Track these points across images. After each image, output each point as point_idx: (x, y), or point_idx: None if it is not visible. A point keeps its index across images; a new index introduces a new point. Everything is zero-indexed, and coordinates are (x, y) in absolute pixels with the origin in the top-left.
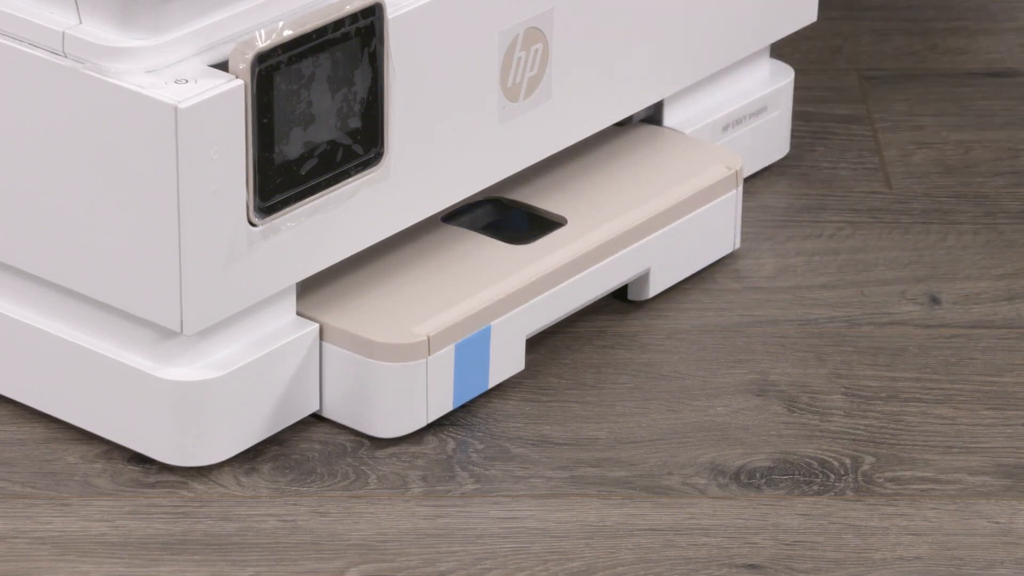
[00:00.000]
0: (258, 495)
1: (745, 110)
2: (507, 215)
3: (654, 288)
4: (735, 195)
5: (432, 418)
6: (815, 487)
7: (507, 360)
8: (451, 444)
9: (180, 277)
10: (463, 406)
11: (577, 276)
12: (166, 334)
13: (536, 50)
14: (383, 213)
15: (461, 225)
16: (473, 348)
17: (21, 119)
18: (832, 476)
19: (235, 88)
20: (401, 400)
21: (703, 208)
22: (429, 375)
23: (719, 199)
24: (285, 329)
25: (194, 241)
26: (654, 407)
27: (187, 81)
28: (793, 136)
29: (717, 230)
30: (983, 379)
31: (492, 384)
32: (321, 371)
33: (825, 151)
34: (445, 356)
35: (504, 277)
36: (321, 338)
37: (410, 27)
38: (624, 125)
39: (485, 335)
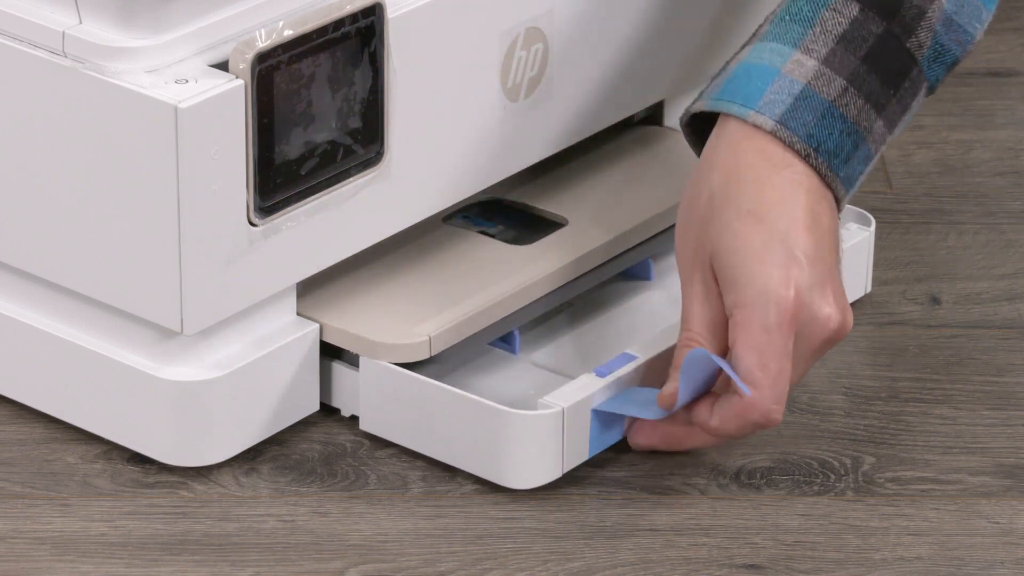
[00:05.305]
0: (258, 495)
1: None
2: (507, 215)
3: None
4: None
5: (567, 468)
6: (815, 487)
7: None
8: None
9: (180, 277)
10: None
11: (578, 276)
12: (166, 334)
13: (536, 50)
14: (383, 213)
15: (461, 226)
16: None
17: (21, 119)
18: (832, 476)
19: (235, 88)
20: (537, 452)
21: None
22: (566, 427)
23: None
24: (285, 329)
25: (194, 241)
26: None
27: (187, 81)
28: None
29: None
30: (983, 379)
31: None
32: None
33: None
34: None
35: (505, 277)
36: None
37: (410, 27)
38: (624, 125)
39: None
